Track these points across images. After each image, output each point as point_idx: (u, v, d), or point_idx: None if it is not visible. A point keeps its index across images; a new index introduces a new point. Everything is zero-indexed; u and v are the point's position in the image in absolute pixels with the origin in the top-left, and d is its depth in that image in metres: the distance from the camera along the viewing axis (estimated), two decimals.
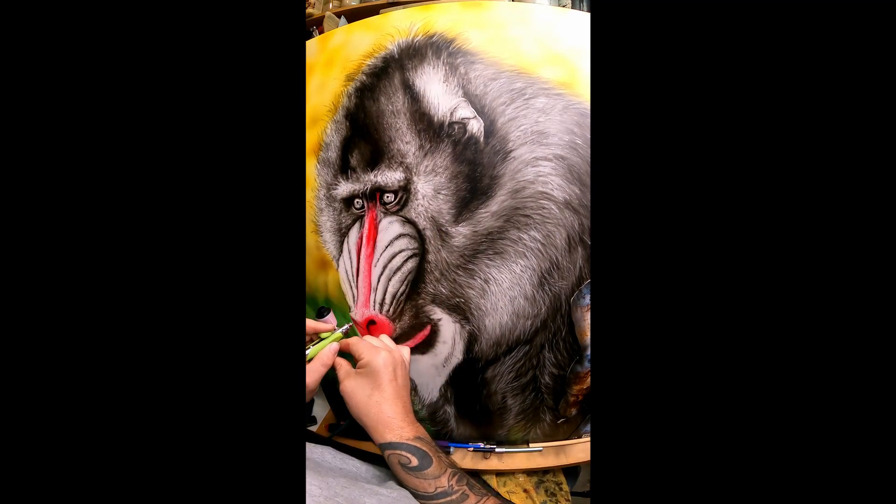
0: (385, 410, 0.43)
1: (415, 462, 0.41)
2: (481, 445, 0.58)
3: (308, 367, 0.45)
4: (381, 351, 0.46)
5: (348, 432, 0.61)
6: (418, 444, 0.42)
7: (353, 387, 0.45)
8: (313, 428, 0.68)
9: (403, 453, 0.41)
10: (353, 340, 0.48)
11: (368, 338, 0.49)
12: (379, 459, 0.54)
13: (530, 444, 0.58)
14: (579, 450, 0.58)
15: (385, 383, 0.45)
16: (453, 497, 0.40)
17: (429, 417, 0.58)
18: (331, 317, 0.53)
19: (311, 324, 0.49)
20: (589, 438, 0.58)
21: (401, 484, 0.42)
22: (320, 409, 0.72)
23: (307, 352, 0.47)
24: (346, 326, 0.51)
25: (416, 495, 0.41)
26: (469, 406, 0.56)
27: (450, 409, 0.57)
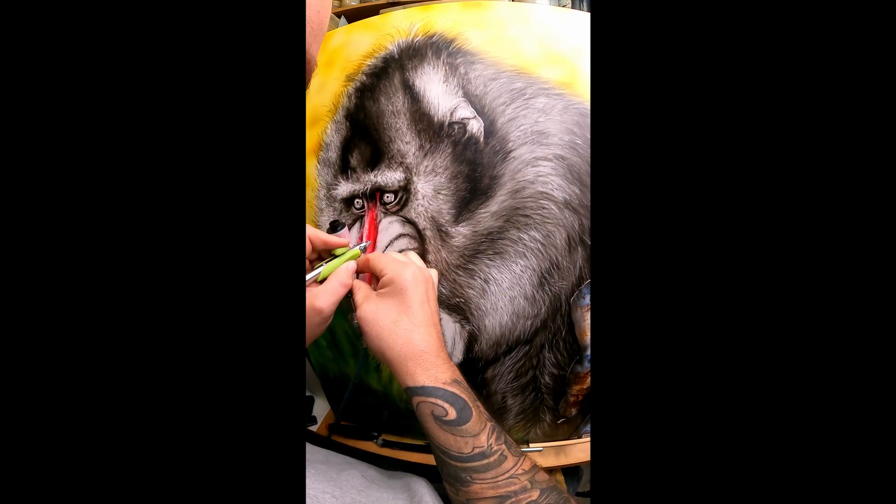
0: (416, 341, 0.33)
1: (453, 414, 0.32)
2: None
3: (321, 288, 0.35)
4: (408, 265, 0.37)
5: (350, 432, 0.61)
6: (457, 391, 0.33)
7: (374, 311, 0.35)
8: (313, 428, 0.68)
9: (440, 402, 0.32)
10: (372, 255, 0.39)
11: (392, 253, 0.41)
12: (377, 459, 0.54)
13: (530, 444, 0.58)
14: (579, 450, 0.58)
15: (416, 305, 0.35)
16: (491, 459, 0.32)
17: None
18: (345, 232, 0.43)
19: (321, 237, 0.39)
20: (589, 438, 0.58)
21: (428, 437, 0.35)
22: (320, 409, 0.72)
23: (319, 270, 0.37)
24: (365, 244, 0.43)
25: (445, 455, 0.33)
26: None
27: None
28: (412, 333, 0.34)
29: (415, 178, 0.48)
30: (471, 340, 0.51)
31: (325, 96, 0.52)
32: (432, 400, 0.32)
